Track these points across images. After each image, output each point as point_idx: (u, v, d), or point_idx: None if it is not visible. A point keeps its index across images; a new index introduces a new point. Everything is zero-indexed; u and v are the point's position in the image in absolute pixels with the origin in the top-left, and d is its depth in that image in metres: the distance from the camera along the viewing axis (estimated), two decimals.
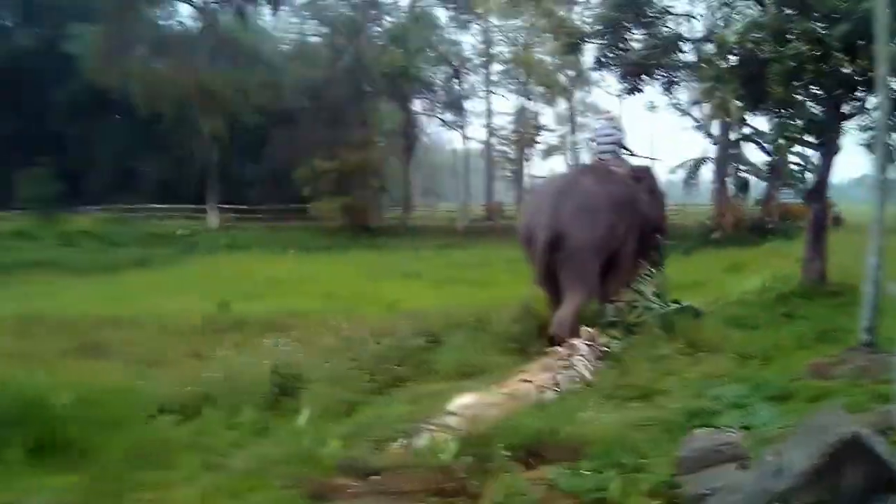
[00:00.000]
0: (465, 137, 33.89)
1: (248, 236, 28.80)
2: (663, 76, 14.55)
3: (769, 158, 13.27)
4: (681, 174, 28.73)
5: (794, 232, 29.43)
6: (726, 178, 28.76)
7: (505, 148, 34.58)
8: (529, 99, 34.51)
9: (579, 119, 36.96)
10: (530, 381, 6.87)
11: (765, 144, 12.81)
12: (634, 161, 11.93)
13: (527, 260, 10.29)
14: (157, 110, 30.63)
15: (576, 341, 8.37)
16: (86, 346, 9.42)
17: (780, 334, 8.81)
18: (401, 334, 8.93)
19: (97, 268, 23.81)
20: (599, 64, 14.56)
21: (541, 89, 32.98)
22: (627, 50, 13.80)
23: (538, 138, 33.25)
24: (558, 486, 3.76)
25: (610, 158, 11.14)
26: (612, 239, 9.95)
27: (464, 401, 6.22)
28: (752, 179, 20.07)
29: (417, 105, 32.64)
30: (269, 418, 5.76)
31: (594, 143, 11.62)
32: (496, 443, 4.21)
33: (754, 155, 14.47)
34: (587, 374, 7.45)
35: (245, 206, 32.86)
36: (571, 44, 15.59)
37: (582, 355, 7.94)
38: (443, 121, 33.77)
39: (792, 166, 12.20)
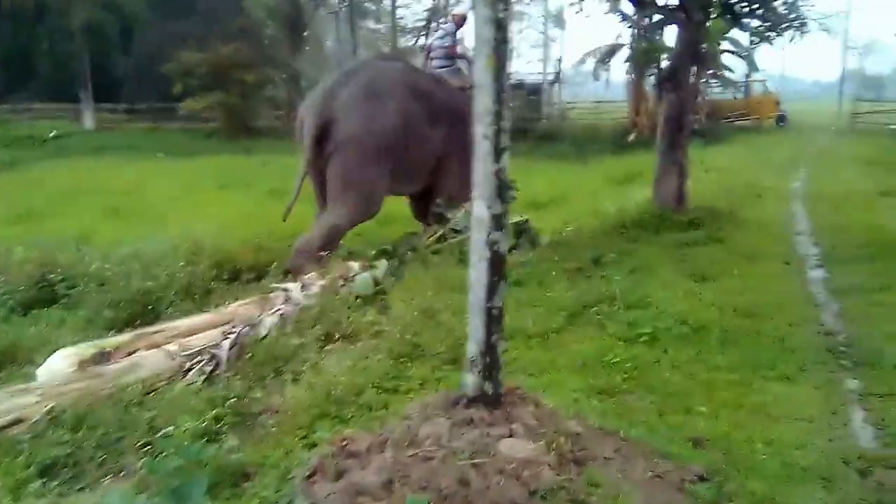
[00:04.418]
0: (356, 28, 30.37)
1: (122, 138, 26.81)
2: None
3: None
4: (592, 65, 25.97)
5: (723, 133, 27.10)
6: (644, 70, 25.34)
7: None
8: None
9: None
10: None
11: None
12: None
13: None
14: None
15: (293, 284, 6.57)
16: None
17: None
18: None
19: None
20: None
21: None
22: None
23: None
24: None
25: (447, 73, 9.43)
26: (411, 140, 8.05)
27: None
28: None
29: None
30: None
31: (429, 54, 10.03)
32: None
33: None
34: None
35: (124, 106, 30.67)
36: None
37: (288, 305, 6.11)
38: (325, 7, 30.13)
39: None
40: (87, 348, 4.91)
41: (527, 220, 8.95)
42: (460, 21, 10.33)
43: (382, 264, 7.22)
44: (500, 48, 3.10)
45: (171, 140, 25.94)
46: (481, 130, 3.22)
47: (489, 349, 3.38)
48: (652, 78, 23.83)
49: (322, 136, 7.78)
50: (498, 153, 3.22)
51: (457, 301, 6.13)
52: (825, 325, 5.90)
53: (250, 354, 5.34)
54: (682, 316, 5.73)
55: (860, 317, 6.07)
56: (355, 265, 7.21)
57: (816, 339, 5.57)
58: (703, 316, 5.79)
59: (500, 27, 3.08)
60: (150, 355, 5.02)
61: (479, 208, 3.26)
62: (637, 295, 6.23)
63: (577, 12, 10.15)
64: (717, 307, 6.08)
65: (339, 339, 5.81)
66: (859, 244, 8.85)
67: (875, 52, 62.80)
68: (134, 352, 5.03)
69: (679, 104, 9.93)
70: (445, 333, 5.44)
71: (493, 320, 3.36)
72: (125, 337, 5.26)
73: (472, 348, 3.40)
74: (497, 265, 3.30)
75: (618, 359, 5.05)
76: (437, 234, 8.15)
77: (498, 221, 3.25)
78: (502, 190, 3.25)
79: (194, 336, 5.43)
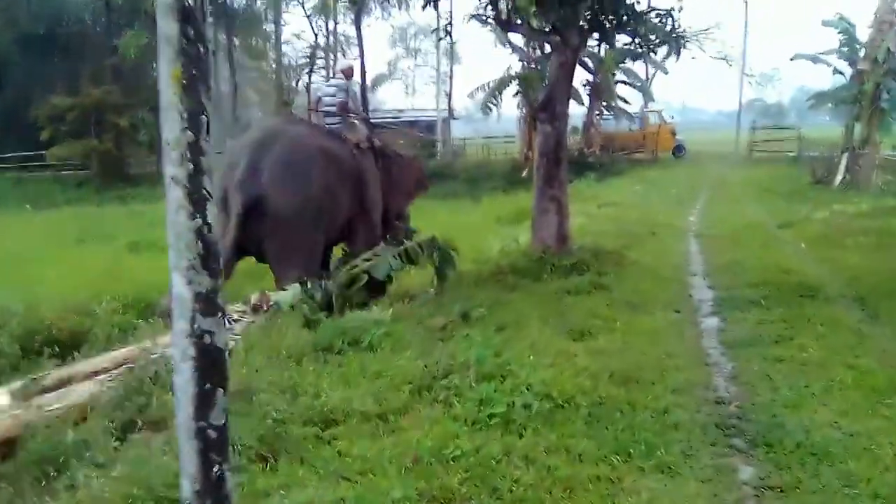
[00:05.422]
0: (238, 66, 29.07)
1: None
2: None
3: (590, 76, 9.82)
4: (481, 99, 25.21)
5: (618, 166, 26.83)
6: (535, 103, 24.54)
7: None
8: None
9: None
10: None
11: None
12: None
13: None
14: None
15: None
16: None
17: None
18: None
19: None
20: None
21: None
22: None
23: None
24: None
25: (339, 127, 9.25)
26: (333, 207, 8.30)
27: None
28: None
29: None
30: None
31: (319, 108, 9.61)
32: None
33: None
34: None
35: None
36: None
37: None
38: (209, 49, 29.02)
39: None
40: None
41: (434, 237, 8.26)
42: (350, 73, 10.17)
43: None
44: (192, 50, 2.01)
45: (40, 190, 24.28)
46: (171, 171, 2.10)
47: (211, 487, 2.25)
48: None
49: (252, 213, 7.67)
50: (198, 203, 2.10)
51: (286, 375, 5.14)
52: (716, 392, 4.95)
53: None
54: (546, 387, 4.67)
55: (757, 377, 5.16)
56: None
57: (705, 410, 4.60)
58: (572, 386, 4.75)
59: (189, 18, 2.00)
60: (82, 385, 4.83)
61: (178, 284, 2.13)
62: (497, 362, 5.15)
63: (439, 39, 9.23)
64: (590, 373, 5.05)
65: (141, 427, 4.60)
66: (755, 284, 8.10)
67: (774, 80, 64.49)
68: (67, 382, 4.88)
69: (555, 136, 9.07)
70: (258, 421, 4.32)
71: (212, 445, 2.24)
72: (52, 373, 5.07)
73: (185, 488, 2.26)
74: (211, 366, 2.18)
75: (459, 451, 3.97)
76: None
77: (209, 303, 2.14)
78: (209, 257, 2.14)
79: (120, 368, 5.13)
